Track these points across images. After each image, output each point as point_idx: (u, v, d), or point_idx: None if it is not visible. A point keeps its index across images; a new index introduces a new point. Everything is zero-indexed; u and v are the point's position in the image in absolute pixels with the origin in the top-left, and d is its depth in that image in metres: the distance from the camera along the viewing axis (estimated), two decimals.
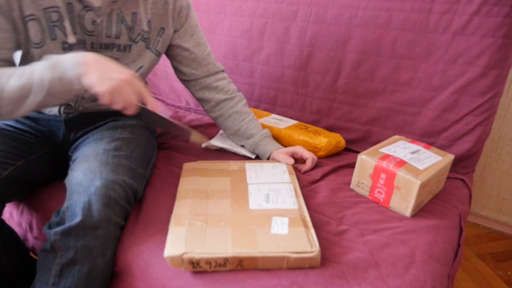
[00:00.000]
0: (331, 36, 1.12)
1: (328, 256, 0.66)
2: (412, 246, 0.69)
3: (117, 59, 0.84)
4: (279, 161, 0.94)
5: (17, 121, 0.86)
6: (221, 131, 1.16)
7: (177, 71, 1.00)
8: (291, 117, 1.24)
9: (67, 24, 0.75)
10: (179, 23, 0.92)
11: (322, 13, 1.13)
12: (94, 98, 0.85)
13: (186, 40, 0.94)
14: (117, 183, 0.70)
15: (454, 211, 0.83)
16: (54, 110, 0.86)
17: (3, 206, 0.77)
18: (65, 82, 0.66)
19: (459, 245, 0.76)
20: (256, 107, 1.31)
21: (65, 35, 0.76)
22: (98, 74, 0.65)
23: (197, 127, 1.21)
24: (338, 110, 1.16)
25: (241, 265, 0.62)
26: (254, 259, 0.62)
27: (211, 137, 1.11)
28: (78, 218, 0.64)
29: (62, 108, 0.85)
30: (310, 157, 0.96)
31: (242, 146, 1.04)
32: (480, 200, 1.44)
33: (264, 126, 1.10)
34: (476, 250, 1.32)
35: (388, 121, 1.09)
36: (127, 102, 0.68)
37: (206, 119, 1.33)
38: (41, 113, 0.87)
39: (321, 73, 1.17)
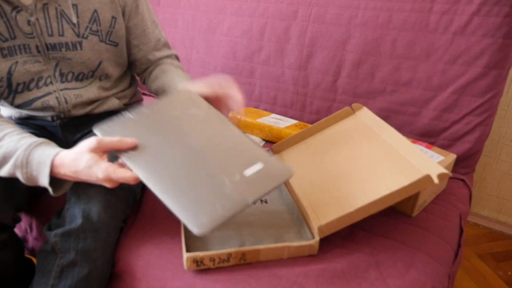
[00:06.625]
0: (331, 36, 1.12)
1: (328, 256, 0.66)
2: (412, 246, 0.69)
3: (69, 59, 0.78)
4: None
5: (18, 121, 0.86)
6: None
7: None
8: (291, 117, 1.23)
9: (1, 28, 0.69)
10: (127, 16, 0.83)
11: (322, 13, 1.13)
12: (82, 104, 0.83)
13: (135, 37, 0.86)
14: (117, 186, 0.69)
15: (454, 211, 0.83)
16: (47, 118, 0.84)
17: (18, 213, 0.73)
18: (36, 181, 0.63)
19: (459, 245, 0.76)
20: (256, 107, 1.31)
21: (2, 41, 0.70)
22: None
23: None
24: (338, 110, 1.16)
25: (244, 259, 0.63)
26: (256, 251, 0.63)
27: None
28: (78, 221, 0.64)
29: (54, 117, 0.83)
30: (240, 101, 0.74)
31: None
32: (480, 200, 1.44)
33: (264, 126, 1.10)
34: (476, 250, 1.32)
35: (388, 121, 1.08)
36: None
37: None
38: (35, 119, 0.85)
39: (321, 73, 1.16)
